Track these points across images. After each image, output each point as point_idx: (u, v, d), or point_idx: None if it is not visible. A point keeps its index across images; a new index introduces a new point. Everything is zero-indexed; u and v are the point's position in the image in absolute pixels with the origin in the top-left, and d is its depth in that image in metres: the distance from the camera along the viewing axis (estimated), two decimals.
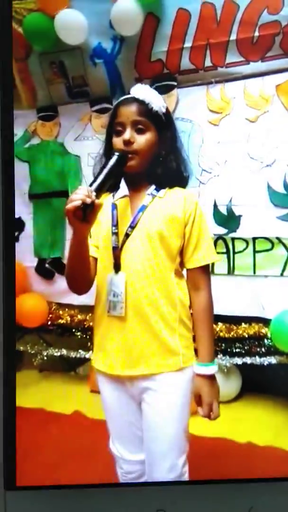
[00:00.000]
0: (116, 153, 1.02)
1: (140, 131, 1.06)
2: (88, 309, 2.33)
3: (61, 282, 2.35)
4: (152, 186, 1.09)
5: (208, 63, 2.01)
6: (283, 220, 1.95)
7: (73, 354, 2.37)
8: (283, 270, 1.97)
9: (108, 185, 1.00)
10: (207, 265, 1.11)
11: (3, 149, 1.55)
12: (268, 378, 1.99)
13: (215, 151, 2.01)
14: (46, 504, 1.53)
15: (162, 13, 1.98)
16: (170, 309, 1.05)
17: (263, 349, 2.00)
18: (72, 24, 2.06)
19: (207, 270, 1.11)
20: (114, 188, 1.08)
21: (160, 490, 1.30)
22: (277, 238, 1.97)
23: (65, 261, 2.36)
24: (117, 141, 1.06)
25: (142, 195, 1.09)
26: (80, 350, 2.35)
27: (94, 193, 0.95)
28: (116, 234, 1.06)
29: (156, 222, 1.05)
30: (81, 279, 1.08)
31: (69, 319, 2.41)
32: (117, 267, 1.05)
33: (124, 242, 1.06)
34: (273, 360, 1.99)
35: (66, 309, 2.40)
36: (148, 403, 1.05)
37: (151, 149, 1.06)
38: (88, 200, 0.92)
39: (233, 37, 1.93)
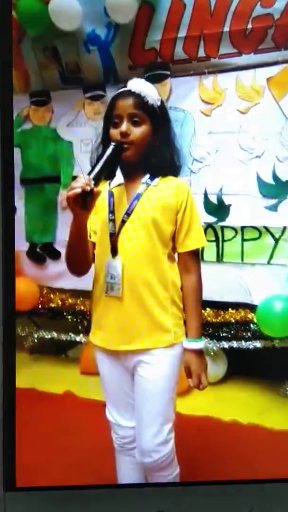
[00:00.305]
0: (113, 144, 1.07)
1: (136, 124, 1.10)
2: (79, 293, 2.38)
3: (52, 267, 2.39)
4: (146, 175, 1.14)
5: (201, 53, 2.03)
6: (271, 210, 2.01)
7: (64, 337, 2.42)
8: (270, 258, 2.04)
9: (105, 174, 1.05)
10: (197, 250, 1.18)
11: (2, 134, 1.53)
12: (253, 362, 2.07)
13: (207, 141, 2.05)
14: (46, 505, 1.51)
15: (157, 2, 1.98)
16: (163, 290, 1.12)
17: (249, 334, 2.07)
18: (66, 10, 2.05)
19: (197, 254, 1.18)
20: (110, 176, 1.12)
21: (160, 491, 1.35)
22: (265, 227, 2.03)
23: (56, 246, 2.41)
24: (114, 132, 1.11)
25: (137, 184, 1.14)
26: (70, 333, 2.40)
27: (92, 181, 0.99)
28: (113, 221, 1.11)
29: (151, 210, 1.11)
30: (80, 261, 1.13)
31: (60, 302, 2.45)
32: (114, 252, 1.10)
33: (120, 228, 1.11)
34: (258, 344, 2.07)
35: (57, 293, 2.43)
36: (141, 375, 1.13)
37: (146, 140, 1.11)
38: (88, 188, 0.97)
39: (226, 28, 1.95)
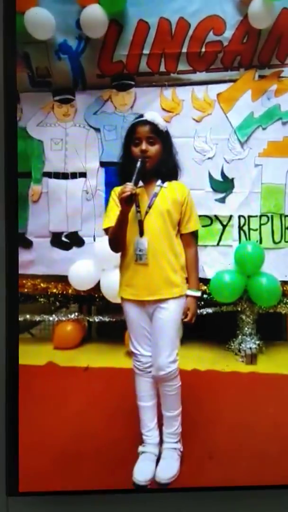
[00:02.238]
0: (140, 159, 1.38)
1: (151, 144, 1.42)
2: (50, 278, 2.48)
3: (25, 255, 2.42)
4: (159, 180, 1.46)
5: (162, 68, 2.22)
6: (220, 202, 2.30)
7: (36, 318, 2.51)
8: (219, 241, 2.32)
9: (139, 180, 1.37)
10: (196, 231, 1.52)
11: (5, 129, 1.56)
12: (205, 325, 2.34)
13: None
14: (48, 510, 1.47)
15: (125, 22, 2.12)
16: (174, 259, 1.45)
17: (202, 302, 2.32)
18: (41, 21, 2.10)
19: (194, 234, 1.52)
20: (136, 184, 1.39)
21: (163, 496, 1.44)
22: (215, 215, 2.31)
23: (27, 235, 2.46)
24: (136, 150, 1.42)
25: (153, 186, 1.46)
26: (43, 315, 2.50)
27: (134, 187, 1.33)
28: (139, 212, 1.43)
29: (165, 204, 1.44)
30: (121, 241, 1.44)
31: (32, 287, 2.51)
32: (141, 233, 1.42)
33: (145, 216, 1.43)
34: (209, 310, 2.34)
35: (29, 279, 2.46)
36: (159, 317, 1.45)
37: (158, 155, 1.44)
38: (134, 191, 1.32)
39: (184, 49, 2.15)
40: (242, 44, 2.13)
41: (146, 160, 1.39)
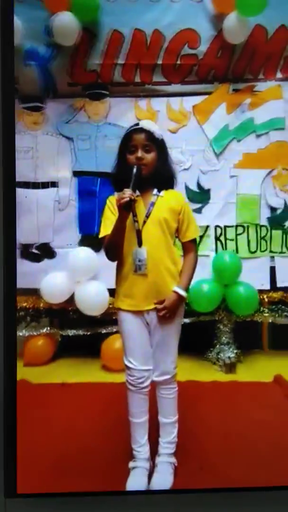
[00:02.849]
0: (136, 166, 1.36)
1: (147, 151, 1.40)
2: (19, 291, 2.37)
3: None
4: (155, 189, 1.44)
5: (137, 79, 2.20)
6: (196, 212, 2.30)
7: None
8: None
9: (136, 187, 1.34)
10: (195, 238, 1.51)
11: (3, 137, 1.48)
12: (184, 335, 2.35)
13: None
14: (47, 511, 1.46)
15: (97, 31, 2.08)
16: (173, 266, 1.44)
17: None
18: None
19: (194, 241, 1.51)
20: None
21: (162, 497, 1.44)
22: None
23: None
24: (131, 158, 1.40)
25: (149, 195, 1.43)
26: None
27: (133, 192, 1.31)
28: (137, 221, 1.40)
29: (162, 213, 1.42)
30: (118, 250, 1.42)
31: None
32: (140, 243, 1.40)
33: (142, 226, 1.40)
34: (187, 320, 2.32)
35: None
36: (159, 325, 1.43)
37: (154, 163, 1.41)
38: (133, 197, 1.30)
39: (159, 61, 2.15)
40: (216, 58, 2.16)
41: (142, 167, 1.37)
